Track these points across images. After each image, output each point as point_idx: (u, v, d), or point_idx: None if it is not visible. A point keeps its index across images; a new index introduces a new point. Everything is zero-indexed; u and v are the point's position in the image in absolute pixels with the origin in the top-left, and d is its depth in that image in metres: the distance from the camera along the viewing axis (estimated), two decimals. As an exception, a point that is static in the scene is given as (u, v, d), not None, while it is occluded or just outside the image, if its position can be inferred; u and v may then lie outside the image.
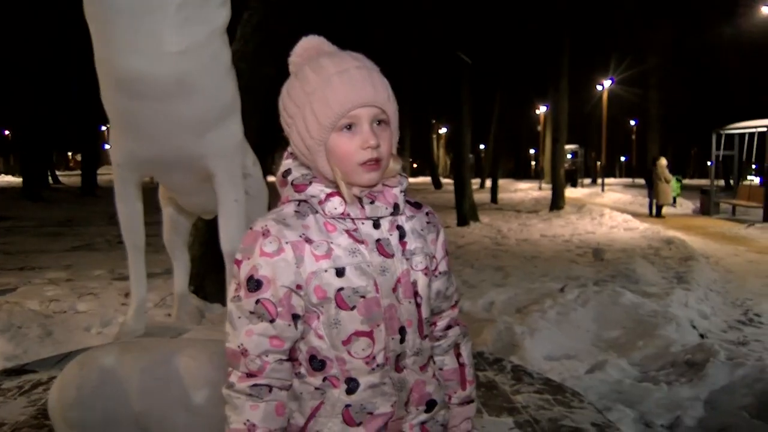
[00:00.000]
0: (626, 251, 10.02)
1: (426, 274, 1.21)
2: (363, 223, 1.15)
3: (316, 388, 1.16)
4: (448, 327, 1.34)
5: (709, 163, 21.13)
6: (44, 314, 5.46)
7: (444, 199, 23.55)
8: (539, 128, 40.93)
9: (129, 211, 2.67)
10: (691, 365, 4.21)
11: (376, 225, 1.17)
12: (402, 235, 1.20)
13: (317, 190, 1.15)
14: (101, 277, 7.45)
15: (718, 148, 17.87)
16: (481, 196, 22.50)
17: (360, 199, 1.15)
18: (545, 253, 10.06)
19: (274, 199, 1.45)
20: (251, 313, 1.12)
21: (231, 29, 5.00)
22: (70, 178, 36.86)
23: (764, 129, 15.52)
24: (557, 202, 18.29)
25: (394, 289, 1.16)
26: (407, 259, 1.19)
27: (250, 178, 2.96)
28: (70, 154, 60.47)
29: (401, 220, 1.21)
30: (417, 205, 1.28)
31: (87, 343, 4.91)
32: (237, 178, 2.54)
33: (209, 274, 5.20)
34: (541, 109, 37.66)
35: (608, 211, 16.25)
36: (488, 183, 27.49)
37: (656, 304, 5.70)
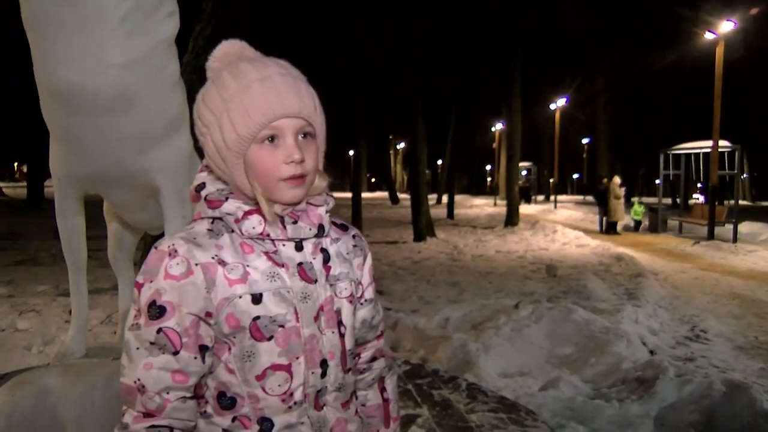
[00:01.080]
0: (578, 267, 10.20)
1: (351, 302, 1.12)
2: (284, 245, 1.05)
3: (224, 430, 1.04)
4: (373, 359, 1.25)
5: (656, 182, 21.77)
6: (-20, 333, 5.19)
7: (401, 214, 23.63)
8: (494, 145, 41.61)
9: (69, 227, 2.54)
10: (642, 382, 4.26)
11: (299, 247, 1.07)
12: (326, 259, 1.10)
13: (234, 207, 1.03)
14: (45, 293, 7.14)
15: (665, 168, 18.47)
16: (438, 212, 22.66)
17: (281, 219, 1.05)
18: (500, 269, 10.15)
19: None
20: (151, 343, 0.98)
21: (183, 41, 4.91)
22: (15, 189, 35.56)
23: (708, 149, 16.13)
24: (512, 219, 18.56)
25: (316, 318, 1.06)
26: (331, 285, 1.09)
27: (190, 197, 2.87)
28: (15, 164, 58.39)
29: (326, 242, 1.12)
30: (343, 227, 1.19)
31: (26, 363, 4.67)
32: (184, 194, 2.44)
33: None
34: (497, 126, 38.32)
35: (561, 227, 16.56)
36: (445, 198, 27.71)
37: (607, 321, 5.79)
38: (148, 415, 0.99)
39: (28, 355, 4.85)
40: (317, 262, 1.08)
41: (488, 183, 54.25)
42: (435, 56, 18.16)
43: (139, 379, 0.98)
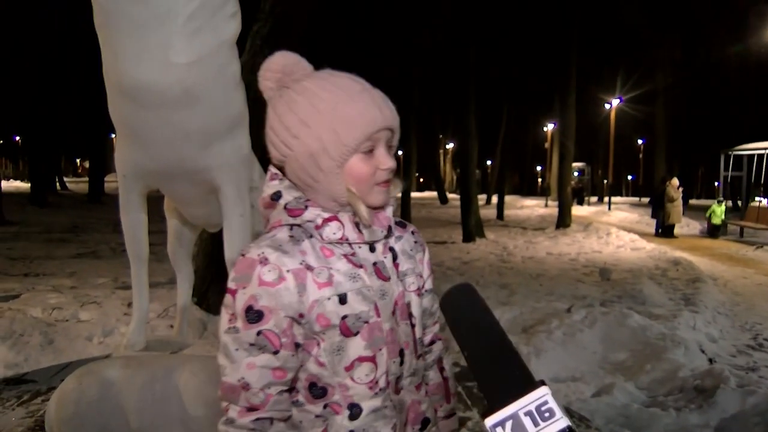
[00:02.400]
0: (633, 271, 9.93)
1: (418, 295, 1.22)
2: (359, 247, 1.14)
3: (317, 416, 1.12)
4: (432, 342, 1.34)
5: (716, 184, 21.03)
6: (46, 322, 5.41)
7: (450, 214, 23.51)
8: (546, 145, 40.90)
9: (133, 221, 2.63)
10: (701, 391, 4.12)
11: (372, 248, 1.15)
12: (395, 257, 1.19)
13: (314, 214, 1.11)
14: (104, 285, 7.41)
15: (726, 169, 17.80)
16: (487, 212, 22.45)
17: (357, 224, 1.13)
18: (551, 272, 9.97)
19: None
20: (251, 345, 1.06)
21: (241, 41, 5.01)
22: (77, 184, 36.97)
23: (773, 150, 15.46)
24: (564, 220, 18.20)
25: (393, 312, 1.15)
26: (401, 281, 1.18)
27: (256, 192, 2.93)
28: (78, 160, 60.78)
29: (392, 241, 1.20)
30: (402, 225, 1.27)
31: (88, 353, 4.86)
32: (243, 192, 2.50)
33: (213, 286, 5.17)
34: (549, 126, 37.66)
35: (615, 230, 16.16)
36: (494, 199, 27.43)
37: (664, 327, 5.62)
38: (252, 409, 1.07)
39: (89, 345, 5.03)
40: (388, 260, 1.17)
41: (539, 183, 53.41)
42: (488, 53, 17.95)
43: (242, 378, 1.06)
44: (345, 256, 1.11)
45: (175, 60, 2.11)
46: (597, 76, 29.36)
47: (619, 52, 28.89)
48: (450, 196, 36.80)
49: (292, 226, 1.11)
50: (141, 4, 2.05)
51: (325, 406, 1.12)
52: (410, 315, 1.19)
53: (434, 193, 38.72)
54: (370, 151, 1.09)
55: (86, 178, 32.18)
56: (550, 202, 30.69)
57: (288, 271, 1.06)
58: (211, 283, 5.16)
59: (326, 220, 1.11)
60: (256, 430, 1.07)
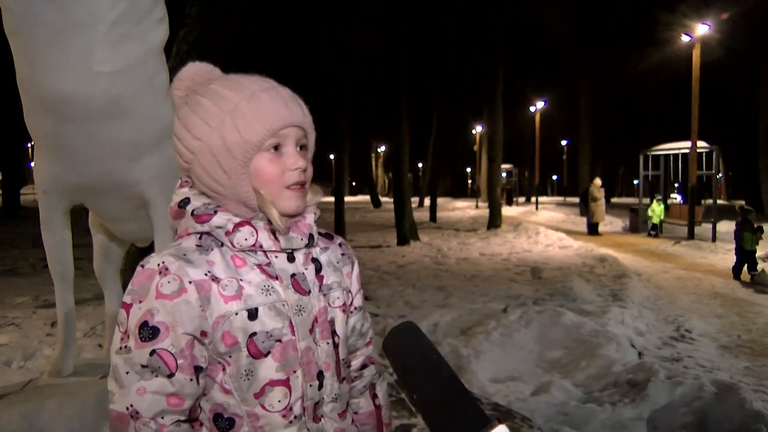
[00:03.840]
0: (562, 269, 10.25)
1: (344, 311, 1.12)
2: (276, 257, 1.04)
3: None
4: (363, 366, 1.24)
5: (636, 182, 22.01)
6: (-42, 348, 5.04)
7: (383, 218, 23.60)
8: (475, 147, 41.77)
9: (56, 240, 2.46)
10: (633, 385, 4.27)
11: (290, 258, 1.06)
12: (318, 269, 1.10)
13: (224, 219, 1.02)
14: (24, 305, 6.98)
15: (645, 168, 18.66)
16: (421, 215, 22.67)
17: (272, 231, 1.03)
18: (485, 272, 10.16)
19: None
20: (143, 366, 0.95)
21: (167, 47, 4.84)
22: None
23: (686, 150, 16.33)
24: (494, 221, 18.62)
25: (311, 330, 1.05)
26: (324, 296, 1.09)
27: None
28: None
29: (316, 252, 1.11)
30: (329, 236, 1.19)
31: (7, 380, 4.54)
32: (176, 205, 2.38)
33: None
34: (477, 129, 38.47)
35: (543, 229, 16.66)
36: (427, 201, 27.73)
37: (595, 323, 5.81)
38: None
39: (7, 371, 4.71)
40: (310, 272, 1.08)
41: (470, 185, 54.46)
42: (417, 56, 18.14)
43: (131, 405, 0.94)
44: (259, 266, 1.02)
45: (99, 69, 1.98)
46: (523, 80, 30.25)
47: (544, 56, 29.89)
48: (383, 199, 36.97)
49: (201, 234, 1.02)
50: (58, 9, 1.89)
51: None
52: (333, 333, 1.09)
53: (367, 197, 38.78)
54: (276, 150, 1.02)
55: (0, 191, 30.37)
56: (480, 204, 31.34)
57: (190, 282, 0.96)
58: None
59: (237, 225, 1.01)
60: None
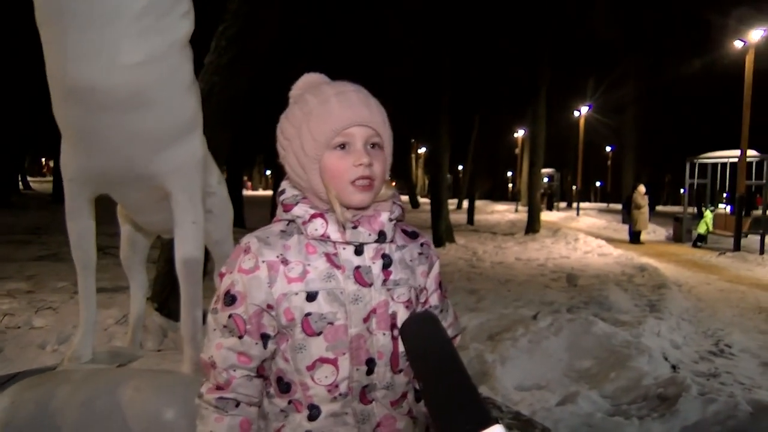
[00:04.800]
0: (600, 277, 10.02)
1: (408, 307, 1.18)
2: (344, 248, 1.15)
3: (281, 410, 1.15)
4: None
5: (682, 191, 21.41)
6: (-3, 329, 5.21)
7: (421, 219, 23.49)
8: (517, 151, 41.28)
9: (79, 228, 2.51)
10: (663, 399, 4.13)
11: (358, 251, 1.15)
12: (387, 264, 1.18)
13: (302, 210, 1.16)
14: (64, 289, 7.18)
15: (691, 177, 18.13)
16: (458, 217, 22.52)
17: (343, 224, 1.15)
18: (519, 277, 10.00)
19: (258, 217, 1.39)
20: (224, 326, 1.13)
21: (206, 42, 4.87)
22: (42, 184, 36.12)
23: (735, 159, 15.78)
24: (533, 226, 18.34)
25: (366, 319, 1.14)
26: (388, 290, 1.17)
27: (214, 197, 2.83)
28: (43, 159, 59.33)
29: (389, 248, 1.19)
30: (413, 235, 1.27)
31: (41, 362, 4.66)
32: (196, 198, 2.39)
33: (174, 292, 5.01)
34: (519, 132, 38.01)
35: (583, 235, 16.33)
36: (465, 204, 27.53)
37: (629, 334, 5.64)
38: (218, 387, 1.13)
39: (42, 353, 4.84)
40: (376, 266, 1.16)
41: (510, 189, 53.86)
42: (461, 58, 18.00)
43: (211, 356, 1.14)
44: (327, 254, 1.14)
45: (123, 60, 2.00)
46: (568, 84, 29.72)
47: (590, 61, 29.30)
48: (421, 200, 36.86)
49: (289, 221, 1.17)
50: (86, 0, 1.94)
51: (289, 402, 1.15)
52: (393, 326, 1.17)
53: (406, 198, 38.77)
54: (344, 148, 1.13)
55: (51, 178, 31.43)
56: (520, 208, 30.95)
57: (263, 261, 1.12)
58: (172, 288, 5.02)
59: (312, 216, 1.14)
60: (219, 408, 1.13)
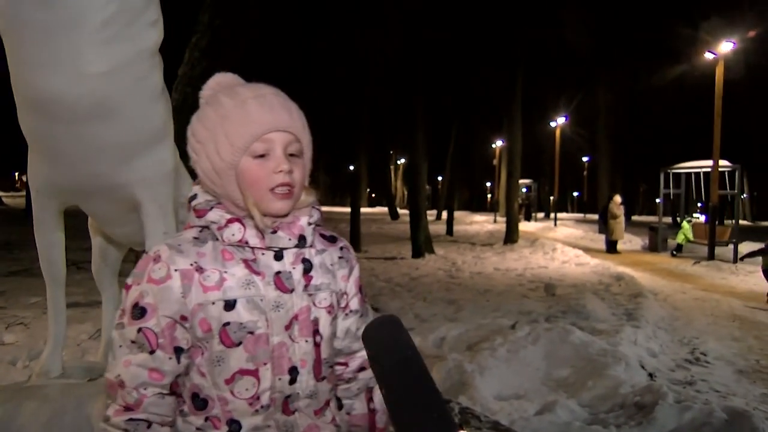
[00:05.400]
0: (577, 286, 10.09)
1: (330, 312, 1.16)
2: (263, 254, 1.10)
3: (197, 429, 1.09)
4: (361, 369, 1.25)
5: (657, 201, 21.72)
6: (-35, 346, 5.07)
7: (400, 230, 23.52)
8: (495, 161, 41.57)
9: (47, 241, 2.45)
10: (640, 407, 4.15)
11: (278, 256, 1.11)
12: (307, 269, 1.14)
13: (217, 215, 1.10)
14: (36, 305, 7.02)
15: (666, 187, 18.39)
16: (437, 228, 22.56)
17: (262, 230, 1.11)
18: (498, 287, 10.03)
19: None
20: (132, 342, 1.05)
21: (179, 53, 4.85)
22: (15, 199, 35.47)
23: (708, 169, 16.06)
24: (511, 236, 18.44)
25: (288, 327, 1.10)
26: (310, 295, 1.13)
27: (186, 208, 2.79)
28: (16, 174, 58.31)
29: (309, 253, 1.16)
30: (332, 239, 1.23)
31: (11, 378, 4.54)
32: (167, 209, 2.35)
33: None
34: (497, 143, 38.31)
35: (560, 245, 16.45)
36: (444, 214, 27.62)
37: (606, 342, 5.67)
38: (127, 408, 1.04)
39: (12, 369, 4.72)
40: (297, 271, 1.12)
41: (489, 199, 54.18)
42: (437, 70, 18.13)
43: (119, 375, 1.05)
44: (245, 261, 1.09)
45: (87, 70, 1.96)
46: (544, 95, 30.08)
47: (564, 72, 29.72)
48: (401, 211, 36.83)
49: (202, 228, 1.11)
50: (46, 8, 1.88)
51: (206, 419, 1.08)
52: (316, 332, 1.13)
53: (385, 209, 38.74)
54: (263, 156, 1.08)
55: (24, 193, 30.88)
56: (498, 218, 31.12)
57: (176, 270, 1.05)
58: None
59: (228, 222, 1.09)
60: (129, 431, 1.04)
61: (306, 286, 1.13)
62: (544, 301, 8.69)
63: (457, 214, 27.12)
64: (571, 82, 30.83)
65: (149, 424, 1.05)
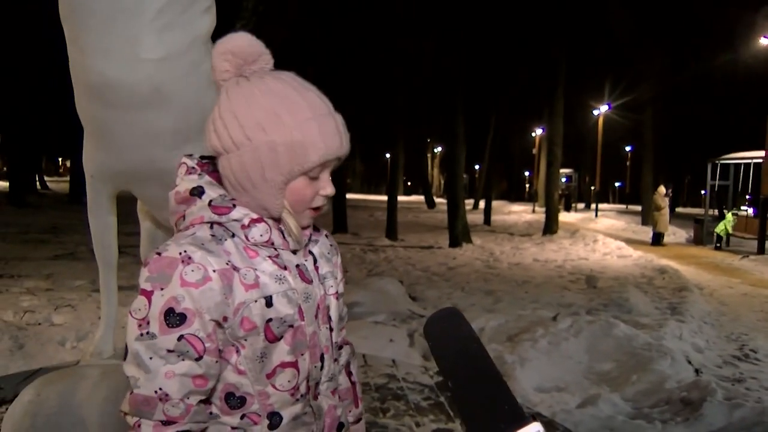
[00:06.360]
0: (619, 279, 9.91)
1: (336, 298, 1.20)
2: (282, 249, 1.10)
3: (233, 428, 1.06)
4: (341, 346, 1.31)
5: (702, 192, 21.14)
6: (17, 326, 5.25)
7: (437, 219, 23.45)
8: (534, 151, 41.02)
9: (101, 225, 2.51)
10: (687, 403, 4.06)
11: (294, 251, 1.12)
12: (314, 260, 1.17)
13: (241, 214, 1.05)
14: (81, 288, 7.24)
15: (713, 178, 17.88)
16: (475, 217, 22.42)
17: (281, 231, 1.09)
18: (537, 279, 9.92)
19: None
20: (170, 351, 0.98)
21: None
22: (58, 184, 36.52)
23: (759, 160, 15.53)
24: (550, 226, 18.19)
25: (316, 316, 1.13)
26: (321, 284, 1.16)
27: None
28: (60, 159, 59.98)
29: (310, 245, 1.18)
30: (316, 229, 1.23)
31: (60, 359, 4.71)
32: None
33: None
34: (537, 132, 37.76)
35: (602, 237, 16.17)
36: (482, 204, 27.40)
37: (650, 336, 5.56)
38: (168, 422, 0.99)
39: (61, 350, 4.89)
40: (309, 263, 1.15)
41: (527, 189, 53.56)
42: (477, 58, 17.91)
43: (160, 388, 0.98)
44: (270, 257, 1.07)
45: (144, 56, 1.99)
46: (586, 83, 29.44)
47: (608, 60, 29.01)
48: (437, 200, 36.75)
49: (212, 224, 1.05)
50: None
51: (242, 417, 1.06)
52: (329, 318, 1.18)
53: (422, 198, 38.66)
54: (315, 177, 1.06)
55: (68, 178, 31.76)
56: (537, 208, 30.75)
57: (214, 271, 1.00)
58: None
59: (253, 221, 1.06)
60: None
61: (318, 277, 1.16)
62: (584, 294, 8.56)
63: (494, 203, 26.88)
64: (615, 70, 30.08)
65: None
